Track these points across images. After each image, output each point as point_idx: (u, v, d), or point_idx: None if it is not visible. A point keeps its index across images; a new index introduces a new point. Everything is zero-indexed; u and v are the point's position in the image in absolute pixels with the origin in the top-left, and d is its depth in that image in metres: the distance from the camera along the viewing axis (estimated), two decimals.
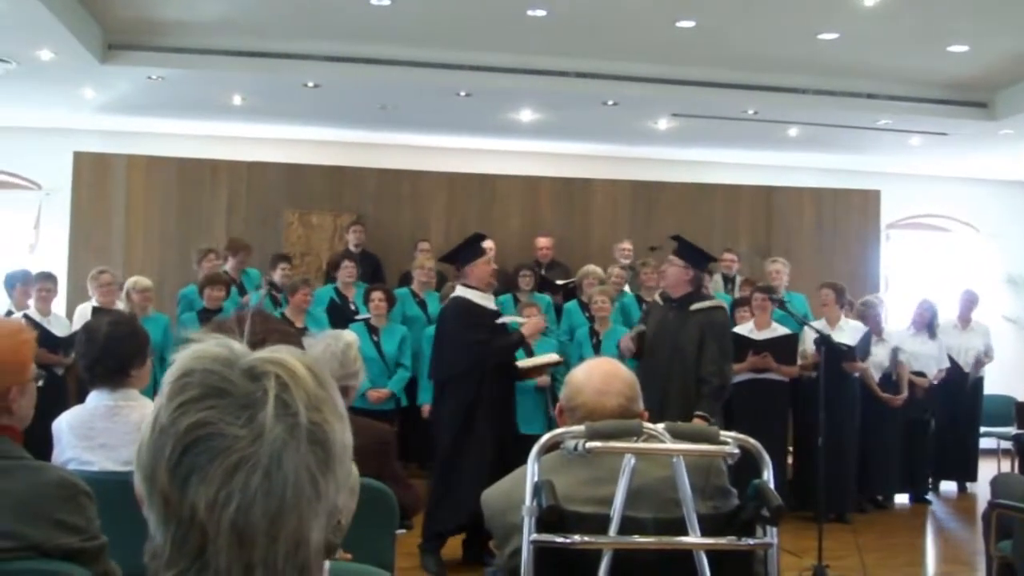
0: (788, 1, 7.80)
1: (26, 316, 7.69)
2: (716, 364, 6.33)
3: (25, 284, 8.36)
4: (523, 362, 7.21)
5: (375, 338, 8.34)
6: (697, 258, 6.68)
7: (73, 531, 2.44)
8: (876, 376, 9.06)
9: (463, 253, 6.88)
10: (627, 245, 10.53)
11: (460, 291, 6.81)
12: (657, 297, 6.98)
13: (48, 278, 8.32)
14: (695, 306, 6.48)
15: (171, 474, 1.02)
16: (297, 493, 1.02)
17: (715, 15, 8.10)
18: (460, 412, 6.56)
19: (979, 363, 10.17)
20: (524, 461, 2.67)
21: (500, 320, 6.84)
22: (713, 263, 7.83)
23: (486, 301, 6.75)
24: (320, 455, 1.04)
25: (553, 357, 7.62)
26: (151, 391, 4.00)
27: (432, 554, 6.63)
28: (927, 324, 9.79)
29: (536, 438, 2.71)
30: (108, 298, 8.29)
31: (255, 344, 1.10)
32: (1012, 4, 7.66)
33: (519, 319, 7.17)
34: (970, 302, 10.40)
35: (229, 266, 9.42)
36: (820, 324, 8.48)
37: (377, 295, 8.49)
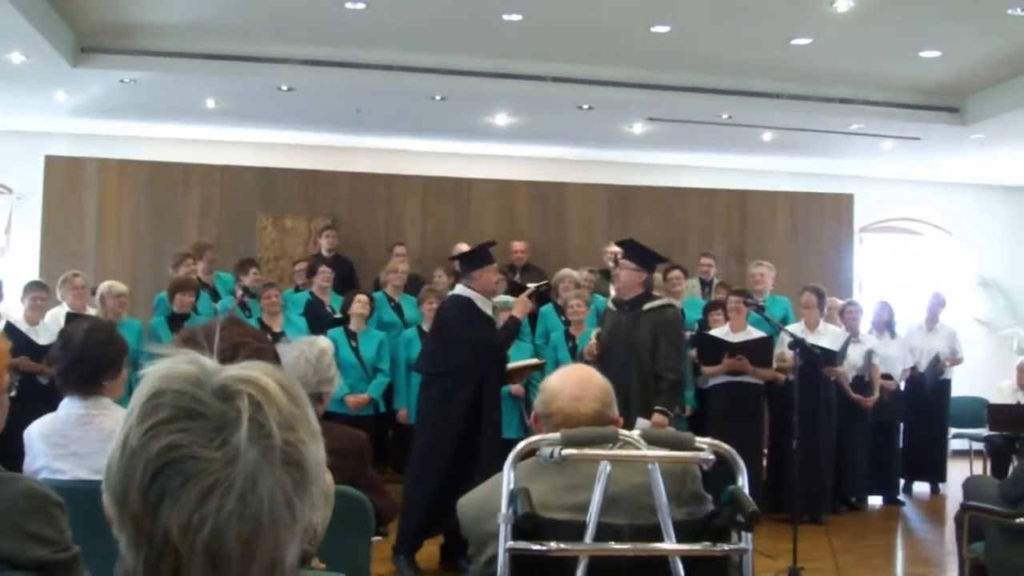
0: (762, 7, 7.84)
1: (8, 324, 7.60)
2: (670, 359, 6.58)
3: None
4: (509, 364, 7.19)
5: (353, 343, 8.32)
6: (648, 260, 6.88)
7: (44, 543, 2.41)
8: (849, 377, 9.10)
9: (473, 258, 6.94)
10: (615, 248, 10.54)
11: (462, 290, 6.85)
12: (610, 303, 7.11)
13: (40, 287, 8.18)
14: (647, 306, 6.71)
15: (143, 497, 1.00)
16: (273, 516, 1.00)
17: (690, 20, 8.12)
18: (462, 413, 6.52)
19: (938, 364, 10.19)
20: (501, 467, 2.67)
21: (495, 299, 6.92)
22: (681, 259, 7.90)
23: (484, 307, 6.79)
24: (295, 476, 1.03)
25: (535, 360, 7.63)
26: (124, 400, 3.97)
27: (406, 557, 6.60)
28: (886, 325, 9.84)
29: (510, 443, 2.71)
30: (80, 302, 8.20)
31: (224, 358, 1.08)
32: (984, 10, 7.72)
33: (509, 298, 7.23)
34: (937, 304, 10.47)
35: (200, 269, 9.38)
36: (798, 328, 8.51)
37: (362, 298, 8.46)
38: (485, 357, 6.66)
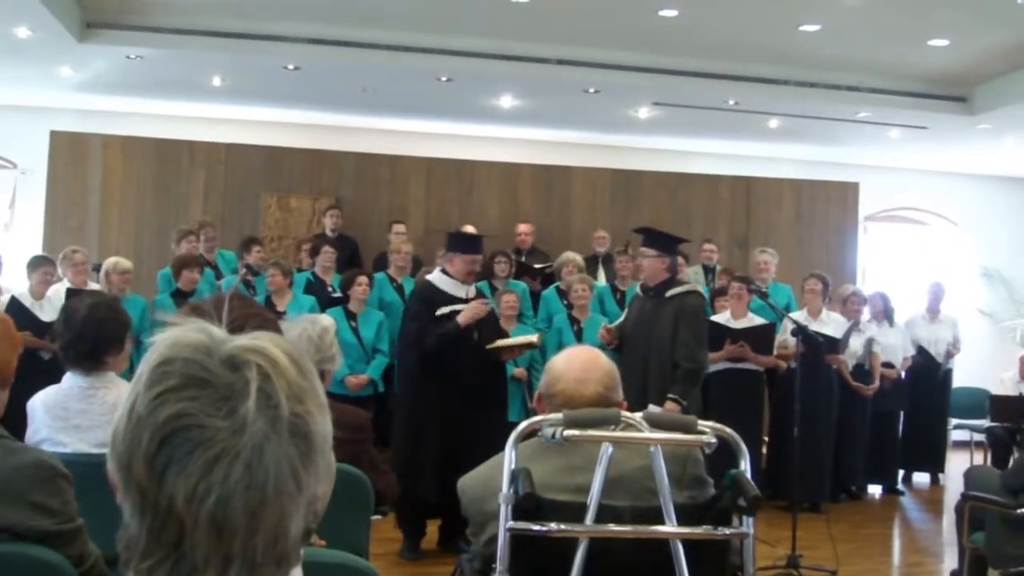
0: None
1: (13, 299, 7.60)
2: (688, 348, 6.33)
3: None
4: (495, 343, 7.01)
5: (353, 323, 8.31)
6: (667, 244, 6.72)
7: (49, 514, 2.41)
8: (850, 365, 9.10)
9: (459, 241, 6.90)
10: (602, 233, 10.60)
11: (432, 275, 6.82)
12: (639, 289, 6.97)
13: (49, 262, 8.16)
14: (671, 292, 6.51)
15: (148, 465, 0.99)
16: (278, 487, 1.00)
17: (698, 4, 8.09)
18: (421, 394, 6.60)
19: (949, 354, 10.24)
20: (496, 448, 2.67)
21: (440, 311, 6.66)
22: (684, 244, 7.81)
23: (454, 289, 6.68)
24: (302, 447, 1.02)
25: (530, 338, 7.44)
26: (127, 373, 3.98)
27: (411, 540, 6.68)
28: (884, 314, 9.83)
29: (512, 426, 2.71)
30: (80, 278, 8.17)
31: (234, 329, 1.07)
32: None
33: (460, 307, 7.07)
34: (937, 294, 10.46)
35: (200, 247, 9.36)
36: (801, 315, 8.51)
37: (363, 279, 8.44)
38: (422, 346, 6.56)
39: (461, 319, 6.55)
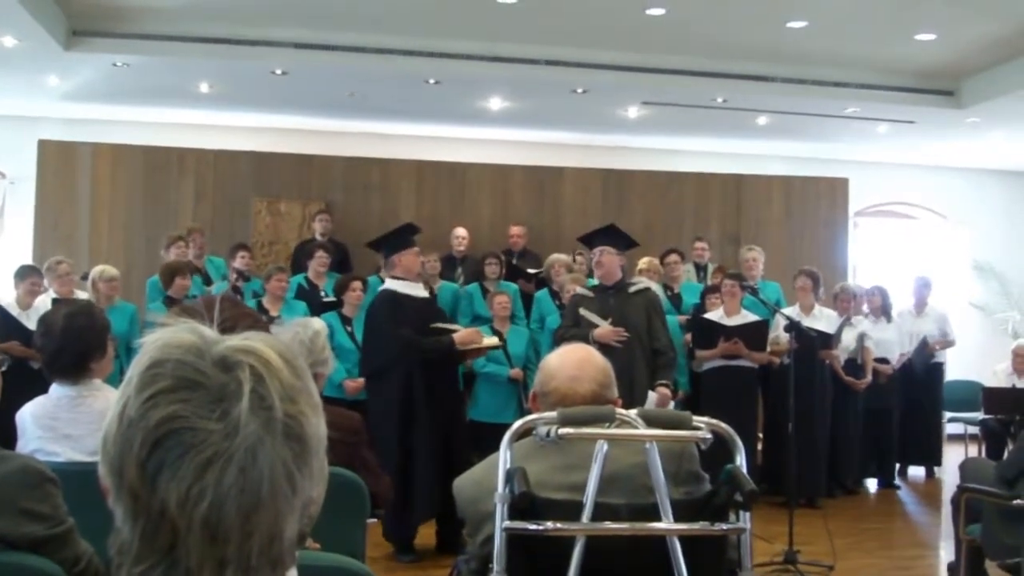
0: None
1: (0, 308, 7.58)
2: (667, 336, 6.85)
3: None
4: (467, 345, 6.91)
5: (348, 328, 8.28)
6: (626, 243, 7.11)
7: (39, 519, 2.40)
8: (842, 360, 9.10)
9: (391, 242, 6.81)
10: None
11: (388, 283, 6.76)
12: (580, 289, 7.20)
13: (37, 272, 8.13)
14: (633, 289, 6.94)
15: (140, 469, 0.97)
16: (273, 489, 0.98)
17: (685, 2, 8.09)
18: (400, 405, 6.47)
19: (927, 347, 10.13)
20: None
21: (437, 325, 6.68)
22: (677, 243, 7.92)
23: (414, 290, 6.68)
24: (296, 449, 1.01)
25: (492, 340, 7.42)
26: (116, 378, 3.96)
27: (397, 544, 6.65)
28: (882, 309, 9.82)
29: (508, 428, 2.70)
30: (66, 288, 8.11)
31: (225, 329, 1.06)
32: None
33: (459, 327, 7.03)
34: (923, 288, 10.43)
35: (190, 254, 9.33)
36: (793, 311, 8.51)
37: (357, 284, 8.42)
38: (414, 357, 6.48)
39: (458, 337, 6.63)
